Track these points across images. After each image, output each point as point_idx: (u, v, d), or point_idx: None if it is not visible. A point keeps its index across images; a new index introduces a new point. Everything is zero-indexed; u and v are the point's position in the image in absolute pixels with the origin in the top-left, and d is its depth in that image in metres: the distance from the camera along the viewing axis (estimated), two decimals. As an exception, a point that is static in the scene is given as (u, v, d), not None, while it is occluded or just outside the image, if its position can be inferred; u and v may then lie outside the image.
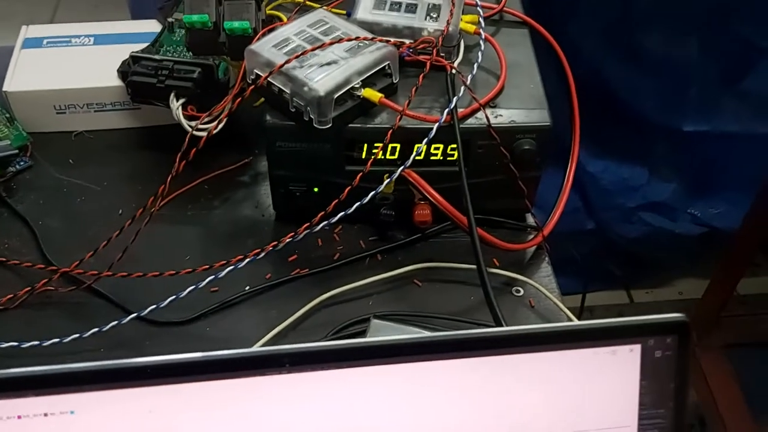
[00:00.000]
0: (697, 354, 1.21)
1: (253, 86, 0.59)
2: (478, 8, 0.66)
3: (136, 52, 0.71)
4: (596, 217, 1.38)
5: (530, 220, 0.68)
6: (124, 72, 0.71)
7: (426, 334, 0.36)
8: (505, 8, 0.71)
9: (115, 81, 0.73)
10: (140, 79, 0.68)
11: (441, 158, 0.63)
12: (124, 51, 0.72)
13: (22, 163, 0.72)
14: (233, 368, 0.35)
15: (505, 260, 0.65)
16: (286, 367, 0.34)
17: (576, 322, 0.37)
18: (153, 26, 0.78)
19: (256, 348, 0.32)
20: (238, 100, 0.59)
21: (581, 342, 0.35)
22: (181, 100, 0.68)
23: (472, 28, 0.65)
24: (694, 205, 1.38)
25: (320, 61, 0.59)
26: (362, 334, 0.59)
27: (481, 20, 0.66)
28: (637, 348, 0.36)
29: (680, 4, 1.15)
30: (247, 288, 0.63)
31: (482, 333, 0.36)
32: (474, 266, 0.62)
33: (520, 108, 0.62)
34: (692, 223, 1.40)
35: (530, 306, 0.62)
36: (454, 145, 0.62)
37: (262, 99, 0.63)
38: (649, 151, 1.31)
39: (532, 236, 0.67)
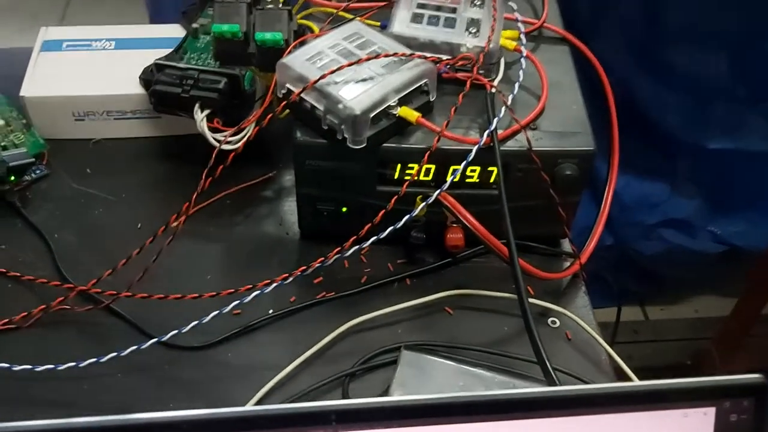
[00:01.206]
0: (719, 378, 1.18)
1: (284, 102, 0.56)
2: (519, 24, 0.64)
3: (160, 59, 0.68)
4: (615, 233, 1.36)
5: (566, 246, 0.66)
6: (146, 80, 0.68)
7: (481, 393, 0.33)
8: (545, 24, 0.68)
9: (137, 88, 0.70)
10: (164, 89, 0.65)
11: (477, 181, 0.60)
12: (146, 56, 0.69)
13: (38, 171, 0.70)
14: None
15: (539, 288, 0.62)
16: (332, 425, 0.31)
17: (644, 382, 0.34)
18: (176, 31, 0.75)
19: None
20: (269, 116, 0.56)
21: (650, 404, 0.33)
22: (206, 111, 0.65)
23: (512, 44, 0.63)
24: (715, 223, 1.35)
25: (356, 77, 0.57)
26: (392, 364, 0.57)
27: (522, 36, 0.63)
28: (711, 411, 0.33)
29: (708, 20, 1.13)
30: (271, 311, 0.60)
31: (533, 394, 0.33)
32: (508, 294, 0.60)
33: (561, 130, 0.59)
34: (712, 241, 1.37)
35: (567, 339, 0.60)
36: (492, 168, 0.59)
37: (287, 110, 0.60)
38: (672, 167, 1.29)
39: (567, 263, 0.65)
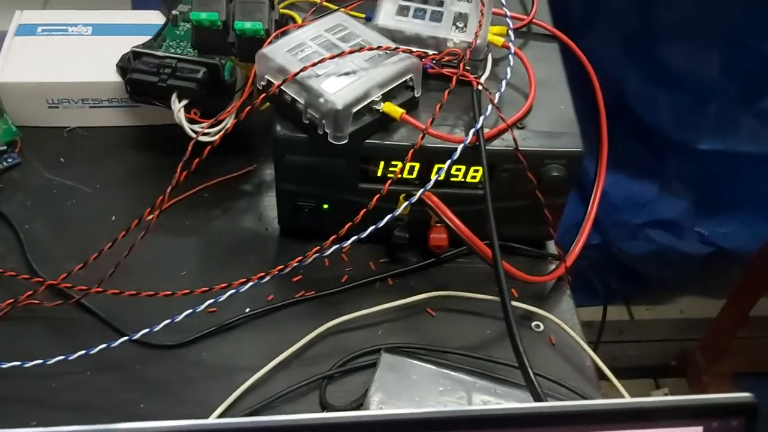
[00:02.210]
0: (704, 382, 1.17)
1: (264, 94, 0.54)
2: (508, 19, 0.62)
3: (137, 46, 0.66)
4: (601, 232, 1.35)
5: (551, 248, 0.64)
6: (123, 68, 0.66)
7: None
8: (534, 20, 0.66)
9: (113, 76, 0.68)
10: (141, 77, 0.63)
11: (462, 180, 0.58)
12: (124, 43, 0.67)
13: (10, 159, 0.67)
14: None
15: (524, 291, 0.60)
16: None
17: (630, 400, 0.33)
18: (155, 18, 0.73)
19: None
20: (247, 108, 0.54)
21: (636, 422, 0.31)
22: (184, 102, 0.63)
23: (500, 41, 0.61)
24: (702, 223, 1.35)
25: (338, 70, 0.55)
26: (371, 367, 0.55)
27: (511, 32, 0.62)
28: (699, 430, 0.32)
29: (701, 18, 1.12)
30: (248, 310, 0.58)
31: (511, 410, 0.31)
32: (492, 297, 0.59)
33: (549, 130, 0.58)
34: (699, 242, 1.36)
35: (551, 343, 0.58)
36: (477, 167, 0.57)
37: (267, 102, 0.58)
38: (661, 167, 1.28)
39: (552, 265, 0.63)
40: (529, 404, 0.31)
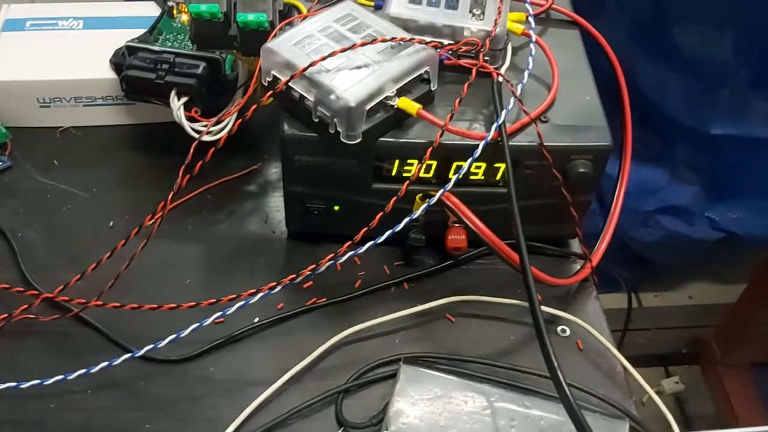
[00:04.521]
0: (720, 372, 1.14)
1: (270, 92, 0.51)
2: (528, 5, 0.58)
3: (132, 41, 0.62)
4: (612, 219, 1.31)
5: (574, 246, 0.61)
6: (118, 64, 0.62)
7: None
8: (553, 5, 0.62)
9: (107, 72, 0.64)
10: (137, 74, 0.60)
11: (482, 178, 0.55)
12: (118, 37, 0.64)
13: (0, 163, 0.64)
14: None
15: (547, 293, 0.57)
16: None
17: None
18: (150, 9, 0.70)
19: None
20: (253, 107, 0.50)
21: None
22: (183, 99, 0.60)
23: (519, 29, 0.57)
24: (713, 209, 1.32)
25: (349, 64, 0.51)
26: (389, 378, 0.52)
27: (531, 19, 0.58)
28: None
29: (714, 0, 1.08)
30: (257, 320, 0.55)
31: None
32: (515, 301, 0.56)
33: (574, 124, 0.54)
34: (709, 227, 1.34)
35: (578, 349, 0.55)
36: (498, 164, 0.54)
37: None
38: (672, 153, 1.24)
39: (576, 265, 0.60)
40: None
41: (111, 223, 0.61)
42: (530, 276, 0.48)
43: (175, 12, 0.65)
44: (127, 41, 0.62)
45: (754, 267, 1.21)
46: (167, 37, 0.63)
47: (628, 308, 0.81)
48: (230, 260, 0.60)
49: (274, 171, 0.65)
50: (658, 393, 1.32)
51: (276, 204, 0.63)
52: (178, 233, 0.61)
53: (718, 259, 1.39)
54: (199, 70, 0.60)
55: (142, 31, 0.64)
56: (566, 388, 0.43)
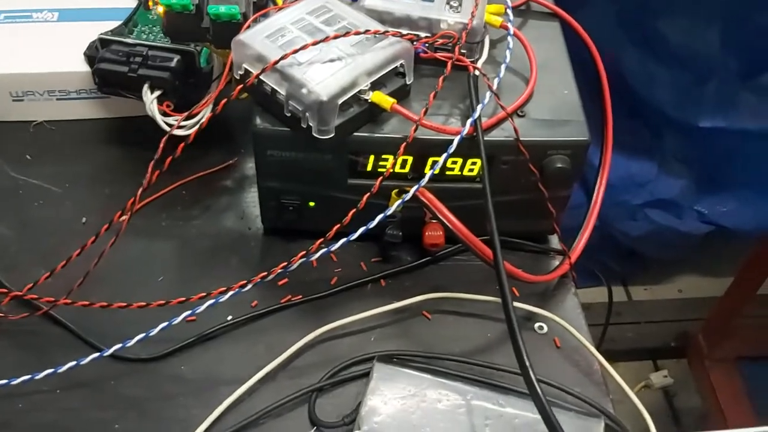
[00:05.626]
0: (706, 366, 1.14)
1: (241, 85, 0.50)
2: (505, -3, 0.57)
3: (106, 33, 0.61)
4: (600, 214, 1.31)
5: (554, 242, 0.60)
6: (91, 56, 0.61)
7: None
8: (533, -3, 0.62)
9: (82, 65, 0.63)
10: (109, 67, 0.59)
11: (458, 173, 0.54)
12: (93, 29, 0.62)
13: (-29, 158, 0.63)
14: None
15: (525, 290, 0.57)
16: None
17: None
18: (127, 1, 0.68)
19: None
20: (223, 101, 0.50)
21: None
22: (156, 93, 0.58)
23: (498, 21, 0.56)
24: (702, 202, 1.31)
25: (322, 57, 0.50)
26: (363, 377, 0.51)
27: (509, 12, 0.57)
28: None
29: (701, -10, 1.07)
30: (230, 318, 0.54)
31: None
32: (492, 298, 0.55)
33: (552, 118, 0.54)
34: (698, 220, 1.33)
35: (555, 346, 0.54)
36: (474, 160, 0.53)
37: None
38: (660, 146, 1.24)
39: (555, 261, 0.59)
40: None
41: (84, 220, 0.60)
42: (503, 272, 0.47)
43: (150, 3, 0.64)
44: (100, 34, 0.61)
45: (742, 260, 1.20)
46: (143, 29, 0.62)
47: (609, 302, 0.80)
48: (205, 257, 0.59)
49: (250, 166, 0.64)
50: (646, 387, 1.32)
51: (253, 199, 0.62)
52: (152, 229, 0.60)
53: (708, 253, 1.38)
54: (173, 63, 0.58)
55: (118, 23, 0.63)
56: (537, 385, 0.43)
